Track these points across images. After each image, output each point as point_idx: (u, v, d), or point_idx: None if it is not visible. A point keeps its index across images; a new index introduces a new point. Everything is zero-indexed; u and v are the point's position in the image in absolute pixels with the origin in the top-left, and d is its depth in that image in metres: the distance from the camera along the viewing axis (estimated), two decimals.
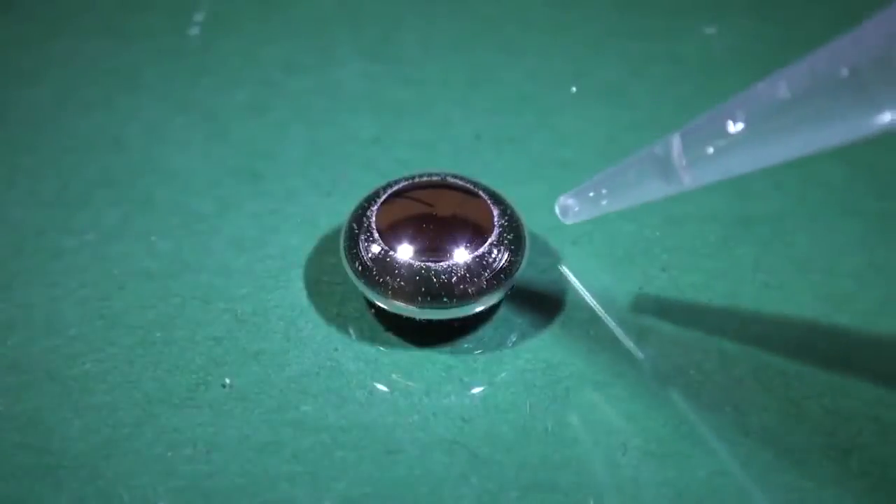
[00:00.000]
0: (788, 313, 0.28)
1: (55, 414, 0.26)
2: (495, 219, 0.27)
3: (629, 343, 0.27)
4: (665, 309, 0.28)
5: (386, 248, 0.26)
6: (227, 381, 0.26)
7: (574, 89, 0.33)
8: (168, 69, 0.33)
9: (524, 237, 0.27)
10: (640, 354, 0.27)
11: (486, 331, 0.27)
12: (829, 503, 0.25)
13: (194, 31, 0.34)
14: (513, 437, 0.26)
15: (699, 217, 0.27)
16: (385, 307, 0.27)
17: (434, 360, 0.27)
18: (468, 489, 0.25)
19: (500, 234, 0.27)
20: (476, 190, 0.27)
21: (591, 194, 0.26)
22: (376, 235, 0.26)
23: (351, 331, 0.27)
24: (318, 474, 0.25)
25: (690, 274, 0.29)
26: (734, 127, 0.22)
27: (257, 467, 0.25)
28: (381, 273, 0.26)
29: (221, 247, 0.29)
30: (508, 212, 0.27)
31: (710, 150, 0.23)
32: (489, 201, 0.27)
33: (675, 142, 0.24)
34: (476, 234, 0.27)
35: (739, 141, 0.22)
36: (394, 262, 0.26)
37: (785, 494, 0.25)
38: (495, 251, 0.26)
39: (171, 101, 0.32)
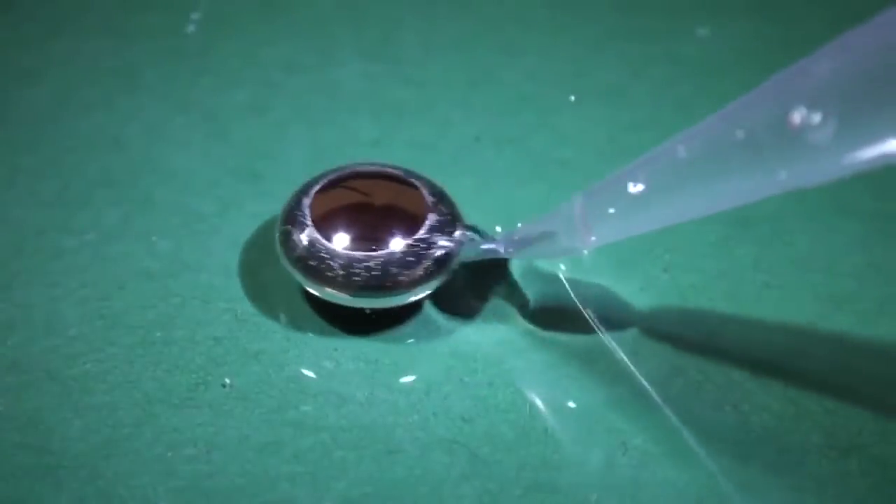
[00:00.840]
0: (788, 313, 0.28)
1: (55, 414, 0.26)
2: (428, 206, 0.27)
3: (629, 344, 0.27)
4: (665, 309, 0.28)
5: (320, 236, 0.26)
6: (227, 380, 0.26)
7: (573, 98, 0.33)
8: (168, 69, 0.33)
9: (459, 224, 0.27)
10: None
11: (486, 332, 0.28)
12: (828, 503, 0.25)
13: (191, 28, 0.34)
14: (513, 437, 0.26)
15: (699, 217, 0.27)
16: (318, 294, 0.27)
17: (434, 360, 0.27)
18: (468, 489, 0.25)
19: (436, 221, 0.27)
20: (410, 179, 0.28)
21: (502, 250, 0.27)
22: (310, 223, 0.27)
23: (350, 330, 0.27)
24: (319, 474, 0.25)
25: (690, 274, 0.29)
26: (635, 188, 0.23)
27: (257, 467, 0.25)
28: (314, 261, 0.26)
29: (222, 247, 0.29)
30: (445, 200, 0.27)
31: (612, 210, 0.23)
32: (424, 190, 0.27)
33: (578, 202, 0.24)
34: (411, 221, 0.27)
35: (641, 201, 0.23)
36: (327, 251, 0.26)
37: (785, 494, 0.25)
38: (430, 238, 0.27)
39: (172, 101, 0.32)
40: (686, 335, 0.28)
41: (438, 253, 0.27)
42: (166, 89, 0.33)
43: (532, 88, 0.33)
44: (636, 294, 0.28)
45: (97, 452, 0.25)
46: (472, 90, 0.33)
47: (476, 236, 0.28)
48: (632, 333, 0.28)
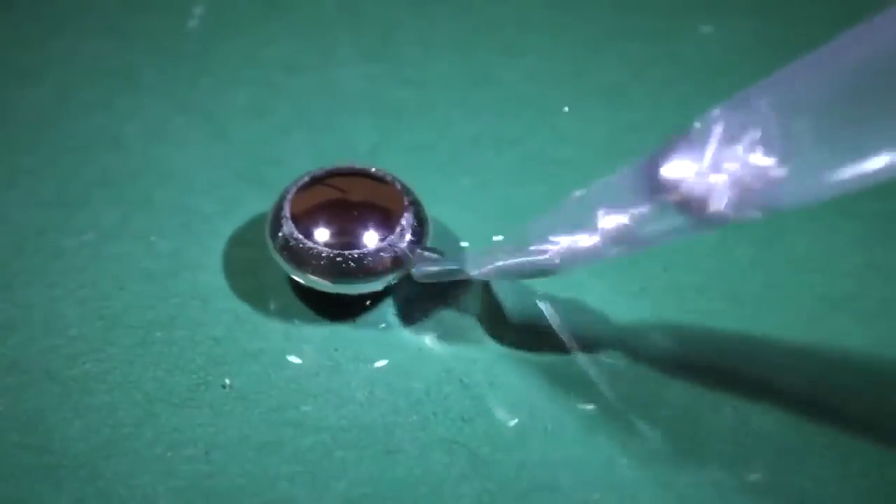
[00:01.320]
0: (788, 313, 0.28)
1: (55, 414, 0.26)
2: (404, 200, 0.28)
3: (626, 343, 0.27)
4: (665, 309, 0.28)
5: (300, 231, 0.27)
6: (227, 381, 0.26)
7: (566, 109, 0.33)
8: (168, 69, 0.33)
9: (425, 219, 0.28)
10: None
11: (487, 333, 0.28)
12: (828, 503, 0.25)
13: (193, 23, 0.34)
14: (513, 436, 0.26)
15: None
16: (302, 281, 0.27)
17: (434, 361, 0.27)
18: (468, 489, 0.25)
19: (413, 213, 0.28)
20: (385, 177, 0.28)
21: (471, 272, 0.27)
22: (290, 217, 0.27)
23: (350, 331, 0.27)
24: (318, 474, 0.25)
25: (691, 274, 0.29)
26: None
27: (257, 467, 0.25)
28: (298, 251, 0.27)
29: (221, 246, 0.29)
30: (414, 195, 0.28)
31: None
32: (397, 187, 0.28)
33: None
34: (386, 215, 0.27)
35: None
36: (309, 245, 0.27)
37: (785, 495, 0.25)
38: (400, 229, 0.27)
39: (172, 101, 0.32)
40: (686, 335, 0.28)
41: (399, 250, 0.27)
42: (166, 89, 0.33)
43: (532, 89, 0.33)
44: (636, 293, 0.28)
45: (97, 452, 0.25)
46: (472, 90, 0.33)
47: (435, 256, 0.27)
48: (631, 334, 0.28)
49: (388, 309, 0.28)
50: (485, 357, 0.27)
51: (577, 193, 0.23)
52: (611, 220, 0.22)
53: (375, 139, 0.32)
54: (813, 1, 0.36)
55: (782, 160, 0.19)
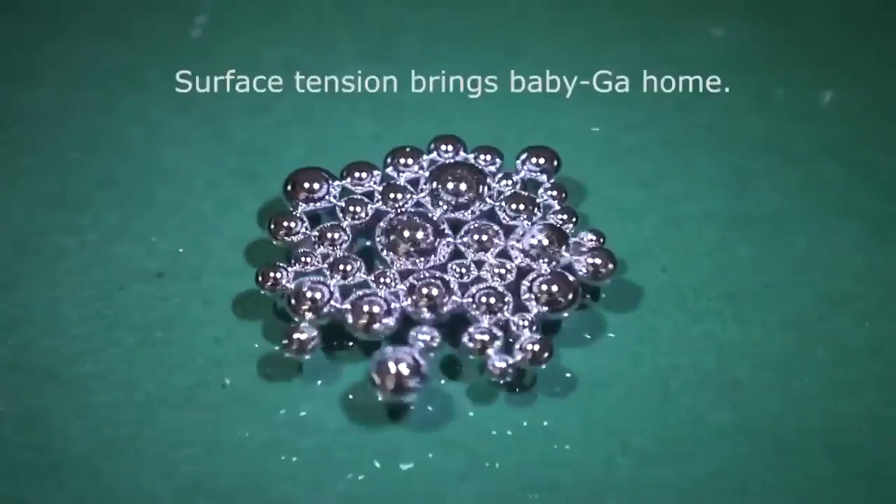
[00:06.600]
0: (787, 313, 0.28)
1: (56, 414, 0.26)
2: None
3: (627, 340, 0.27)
4: (664, 309, 0.28)
5: None
6: (227, 381, 0.27)
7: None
8: (170, 70, 0.33)
9: None
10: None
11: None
12: (828, 503, 0.25)
13: (196, 33, 0.34)
14: (513, 436, 0.26)
15: (698, 217, 0.27)
16: None
17: (434, 359, 0.27)
18: (468, 488, 0.25)
19: None
20: None
21: None
22: None
23: (350, 332, 0.27)
24: (318, 474, 0.25)
25: (689, 274, 0.29)
26: None
27: (257, 467, 0.25)
28: None
29: (222, 247, 0.29)
30: None
31: None
32: None
33: None
34: None
35: None
36: None
37: (784, 494, 0.25)
38: None
39: (173, 101, 0.32)
40: (685, 335, 0.28)
41: None
42: (168, 90, 0.33)
43: (532, 89, 0.33)
44: (635, 293, 0.28)
45: (98, 452, 0.25)
46: (472, 91, 0.33)
47: None
48: (632, 334, 0.28)
49: None
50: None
51: None
52: None
53: (375, 137, 0.32)
54: (813, 3, 0.36)
55: None
